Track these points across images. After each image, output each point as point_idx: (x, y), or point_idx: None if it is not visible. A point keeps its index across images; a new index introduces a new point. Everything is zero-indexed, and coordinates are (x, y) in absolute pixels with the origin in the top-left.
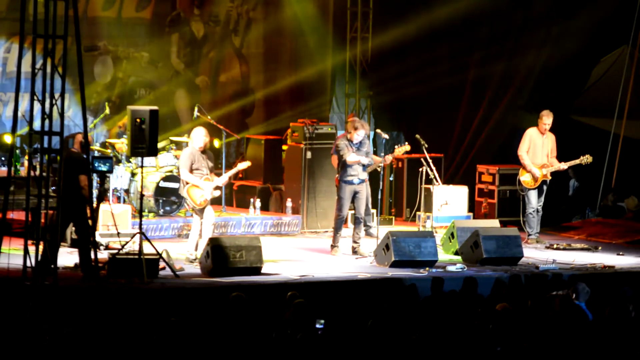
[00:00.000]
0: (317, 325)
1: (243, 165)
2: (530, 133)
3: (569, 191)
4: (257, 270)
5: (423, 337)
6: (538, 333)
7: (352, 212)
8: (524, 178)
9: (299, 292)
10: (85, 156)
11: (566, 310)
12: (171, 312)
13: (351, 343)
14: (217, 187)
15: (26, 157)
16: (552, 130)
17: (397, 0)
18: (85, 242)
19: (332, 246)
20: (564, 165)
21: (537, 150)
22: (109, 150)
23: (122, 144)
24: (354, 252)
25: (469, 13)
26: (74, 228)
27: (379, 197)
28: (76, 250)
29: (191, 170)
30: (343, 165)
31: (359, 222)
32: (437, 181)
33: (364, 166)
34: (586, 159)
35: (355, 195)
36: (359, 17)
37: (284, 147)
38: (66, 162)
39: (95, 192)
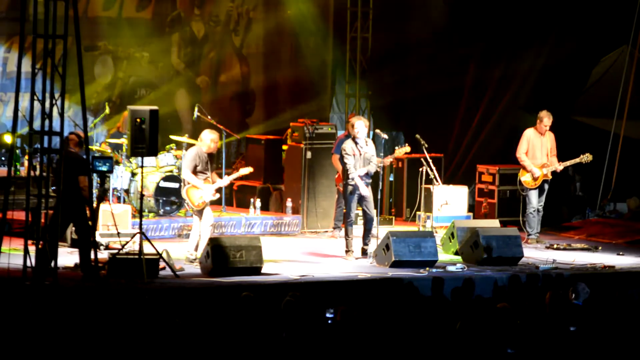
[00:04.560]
0: (327, 315)
1: (245, 170)
2: (528, 134)
3: (576, 191)
4: (257, 270)
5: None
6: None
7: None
8: (525, 178)
9: (299, 292)
10: (84, 156)
11: (558, 309)
12: (171, 312)
13: (357, 341)
14: (217, 190)
15: (26, 157)
16: (552, 130)
17: (397, 0)
18: (86, 242)
19: (347, 251)
20: (560, 167)
21: (537, 150)
22: (109, 150)
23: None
24: (364, 253)
25: (468, 13)
26: (74, 228)
27: (379, 197)
28: (76, 250)
29: (195, 172)
30: (346, 170)
31: (369, 227)
32: (437, 181)
33: (367, 174)
34: (586, 157)
35: (361, 199)
36: (359, 17)
37: (284, 147)
38: (67, 161)
39: (95, 192)
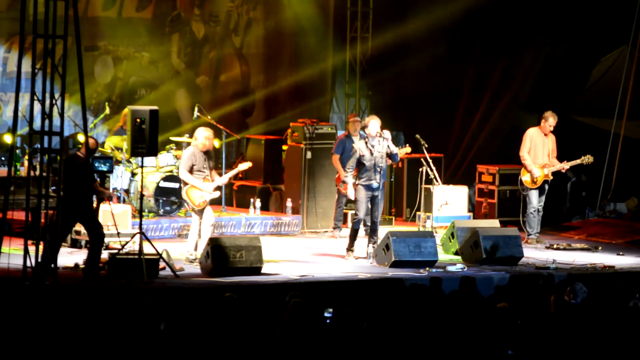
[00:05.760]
0: (326, 314)
1: (244, 166)
2: (531, 133)
3: (567, 192)
4: (257, 270)
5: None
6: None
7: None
8: (526, 178)
9: (299, 292)
10: (89, 159)
11: (561, 310)
12: (171, 312)
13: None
14: (217, 188)
15: (26, 157)
16: (552, 130)
17: (397, 0)
18: (98, 244)
19: (348, 250)
20: (565, 165)
21: (538, 151)
22: (109, 150)
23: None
24: (369, 255)
25: (468, 13)
26: (77, 229)
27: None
28: (76, 250)
29: (192, 171)
30: (359, 168)
31: (374, 227)
32: (437, 181)
33: (376, 171)
34: (587, 159)
35: (372, 200)
36: (359, 17)
37: (284, 147)
38: (73, 165)
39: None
